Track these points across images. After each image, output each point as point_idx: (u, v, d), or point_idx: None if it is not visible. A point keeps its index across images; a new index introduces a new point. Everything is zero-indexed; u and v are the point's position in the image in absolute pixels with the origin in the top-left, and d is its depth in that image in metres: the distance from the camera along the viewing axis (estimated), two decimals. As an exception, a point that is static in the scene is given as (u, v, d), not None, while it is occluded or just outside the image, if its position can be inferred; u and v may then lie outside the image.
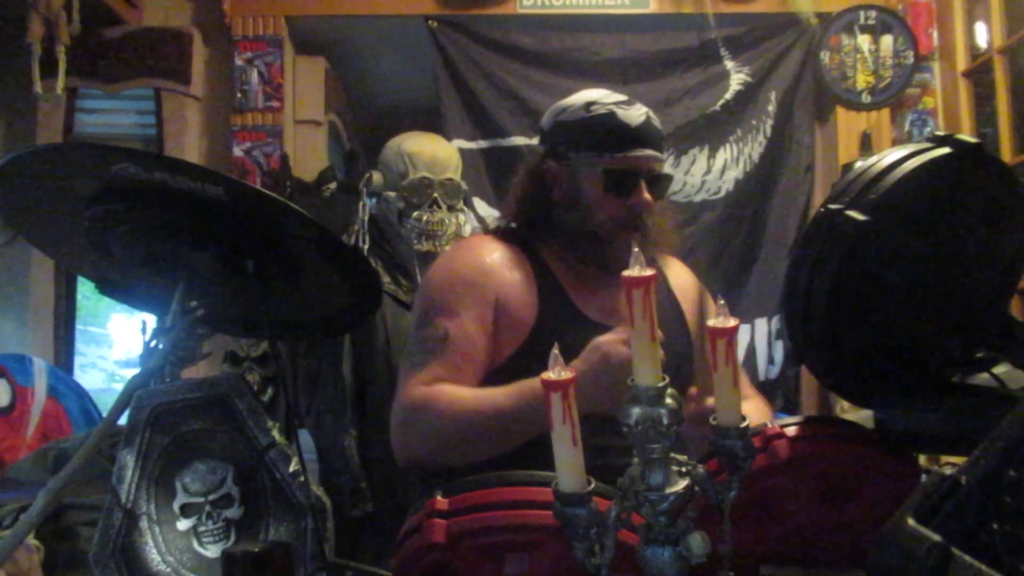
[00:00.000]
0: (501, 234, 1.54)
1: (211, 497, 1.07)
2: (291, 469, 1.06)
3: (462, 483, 0.98)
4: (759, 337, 3.45)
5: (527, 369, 1.37)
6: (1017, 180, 1.04)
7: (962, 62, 3.52)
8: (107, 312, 5.11)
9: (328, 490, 1.90)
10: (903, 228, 0.98)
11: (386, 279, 2.20)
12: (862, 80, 3.59)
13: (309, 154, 3.59)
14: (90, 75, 3.45)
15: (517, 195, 1.56)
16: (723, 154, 3.55)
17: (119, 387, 1.07)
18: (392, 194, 2.22)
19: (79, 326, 3.86)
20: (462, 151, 2.78)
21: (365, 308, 1.32)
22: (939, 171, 0.98)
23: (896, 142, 3.57)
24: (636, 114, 1.46)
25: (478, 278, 1.43)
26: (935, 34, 3.62)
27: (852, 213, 0.94)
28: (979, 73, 3.46)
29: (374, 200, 2.27)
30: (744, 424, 0.82)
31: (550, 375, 0.75)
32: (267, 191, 1.11)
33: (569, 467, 0.77)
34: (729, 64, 3.57)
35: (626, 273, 0.75)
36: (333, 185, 3.13)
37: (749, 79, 3.56)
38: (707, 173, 3.53)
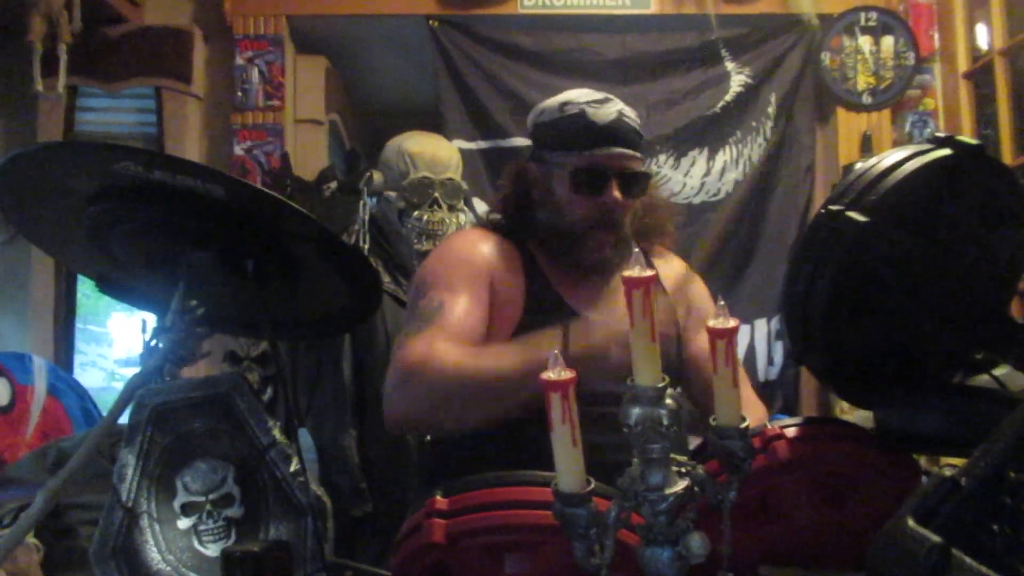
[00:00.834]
0: (492, 227, 1.55)
1: (212, 496, 1.07)
2: (291, 468, 1.06)
3: (462, 483, 0.98)
4: (759, 338, 3.45)
5: None
6: (1017, 181, 1.04)
7: (963, 63, 3.52)
8: (107, 311, 5.11)
9: (328, 490, 1.91)
10: (903, 229, 0.98)
11: (386, 279, 2.20)
12: (863, 81, 3.59)
13: (309, 153, 3.59)
14: (91, 74, 3.45)
15: (502, 196, 1.58)
16: (723, 156, 3.55)
17: (119, 386, 1.07)
18: (392, 194, 2.22)
19: (79, 325, 3.85)
20: (462, 151, 2.78)
21: (365, 308, 1.32)
22: (940, 172, 0.98)
23: (897, 143, 3.57)
24: (606, 112, 1.44)
25: (473, 258, 1.44)
26: (936, 35, 3.62)
27: (852, 214, 0.94)
28: (980, 75, 3.46)
29: (374, 200, 2.27)
30: (744, 424, 0.82)
31: (549, 375, 0.75)
32: (267, 190, 1.11)
33: (569, 467, 0.77)
34: (730, 65, 3.57)
35: (626, 273, 0.75)
36: (333, 185, 3.13)
37: (749, 80, 3.56)
38: (706, 175, 3.54)
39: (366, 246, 2.25)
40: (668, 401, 0.77)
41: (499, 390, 1.24)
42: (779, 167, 3.57)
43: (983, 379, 1.09)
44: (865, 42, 3.59)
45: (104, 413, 1.09)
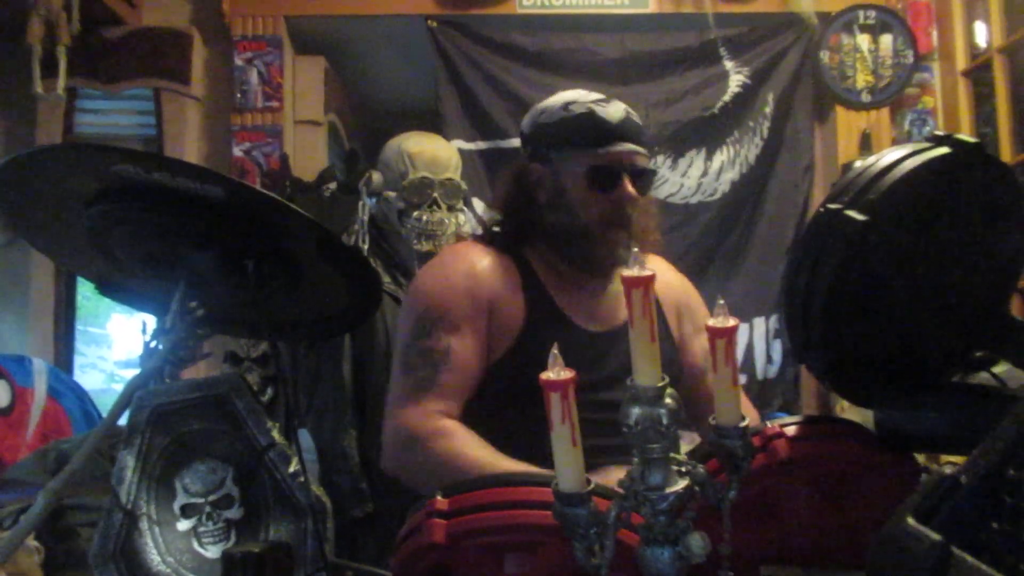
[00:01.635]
0: (488, 240, 1.55)
1: (211, 497, 1.07)
2: (291, 469, 1.06)
3: (462, 483, 0.98)
4: (757, 336, 3.46)
5: (514, 374, 1.38)
6: (1016, 180, 1.04)
7: (962, 61, 3.52)
8: (107, 312, 5.11)
9: (328, 490, 1.91)
10: (903, 228, 0.98)
11: (386, 279, 2.20)
12: (862, 79, 3.59)
13: (309, 154, 3.59)
14: (90, 75, 3.45)
15: (502, 200, 1.57)
16: (720, 156, 3.55)
17: (119, 387, 1.07)
18: (392, 194, 2.22)
19: (79, 326, 3.86)
20: (461, 151, 2.78)
21: (365, 308, 1.32)
22: (938, 171, 0.98)
23: (896, 142, 3.57)
24: (615, 110, 1.46)
25: (471, 286, 1.44)
26: (935, 33, 3.62)
27: (851, 213, 0.94)
28: (979, 72, 3.46)
29: (374, 200, 2.27)
30: (743, 424, 0.82)
31: (550, 375, 0.75)
32: (267, 191, 1.11)
33: (569, 467, 0.77)
34: (728, 64, 3.57)
35: (626, 273, 0.75)
36: (333, 185, 3.13)
37: (748, 81, 3.56)
38: (704, 175, 3.54)
39: (366, 246, 2.25)
40: (668, 401, 0.77)
41: None
42: (776, 167, 3.57)
43: (983, 378, 1.09)
44: (864, 40, 3.59)
45: (104, 415, 1.09)
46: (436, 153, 2.26)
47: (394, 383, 1.44)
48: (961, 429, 0.99)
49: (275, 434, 1.08)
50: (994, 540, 0.65)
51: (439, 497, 0.95)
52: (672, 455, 0.79)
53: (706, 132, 3.55)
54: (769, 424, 1.03)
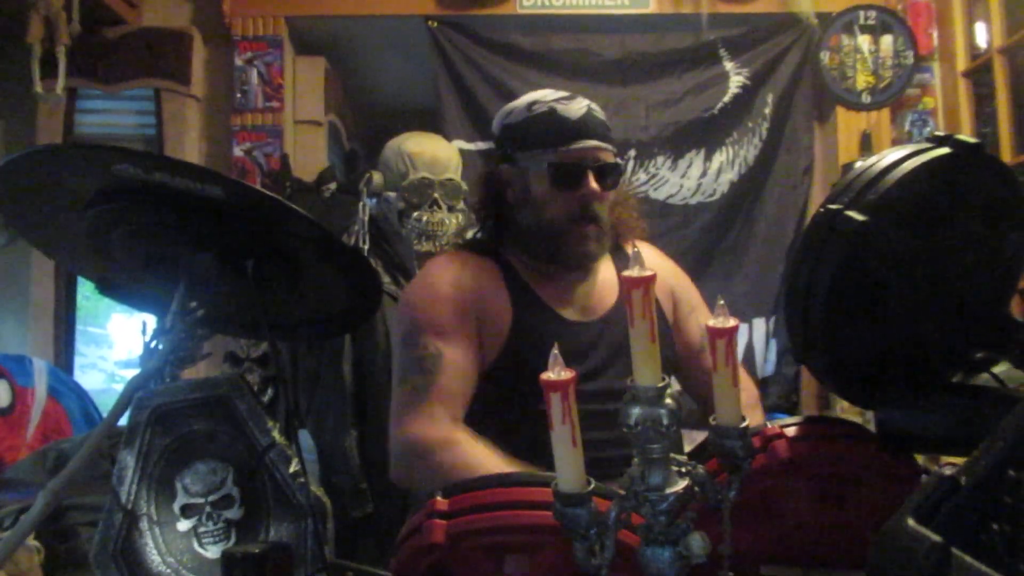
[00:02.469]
0: (467, 247, 1.57)
1: (211, 498, 1.07)
2: (291, 470, 1.06)
3: (462, 483, 0.98)
4: (757, 337, 3.48)
5: (509, 372, 1.40)
6: (1017, 180, 1.04)
7: (962, 62, 3.52)
8: (107, 313, 5.11)
9: (328, 490, 1.91)
10: (903, 228, 0.98)
11: (386, 279, 2.20)
12: (862, 80, 3.59)
13: (309, 154, 3.59)
14: (90, 75, 3.45)
15: (475, 202, 1.59)
16: (719, 157, 3.56)
17: (119, 388, 1.07)
18: (392, 194, 2.22)
19: (79, 326, 3.85)
20: (462, 152, 2.78)
21: (365, 308, 1.32)
22: (939, 171, 0.98)
23: (896, 142, 3.58)
24: (576, 107, 1.47)
25: (455, 294, 1.45)
26: (935, 34, 3.62)
27: (852, 213, 0.94)
28: (979, 73, 3.46)
29: (374, 200, 2.27)
30: (744, 424, 0.82)
31: (550, 375, 0.75)
32: (267, 191, 1.11)
33: (569, 467, 0.77)
34: (728, 65, 3.57)
35: (625, 273, 0.75)
36: (333, 185, 3.13)
37: (747, 82, 3.56)
38: (703, 176, 3.55)
39: (366, 247, 2.25)
40: (668, 401, 0.77)
41: None
42: (775, 168, 3.57)
43: (983, 378, 1.09)
44: (864, 41, 3.59)
45: (104, 415, 1.09)
46: (436, 153, 2.26)
47: (393, 396, 1.45)
48: (961, 430, 0.99)
49: (275, 434, 1.08)
50: (994, 540, 0.65)
51: (439, 497, 0.95)
52: (672, 455, 0.79)
53: (706, 133, 3.55)
54: (769, 424, 1.03)
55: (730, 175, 3.55)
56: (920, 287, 1.00)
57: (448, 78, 3.51)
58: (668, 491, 0.77)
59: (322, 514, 1.18)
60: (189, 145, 3.54)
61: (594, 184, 1.44)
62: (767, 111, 3.57)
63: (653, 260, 1.62)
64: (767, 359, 3.49)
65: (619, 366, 1.41)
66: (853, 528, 1.01)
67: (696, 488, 0.79)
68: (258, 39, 3.56)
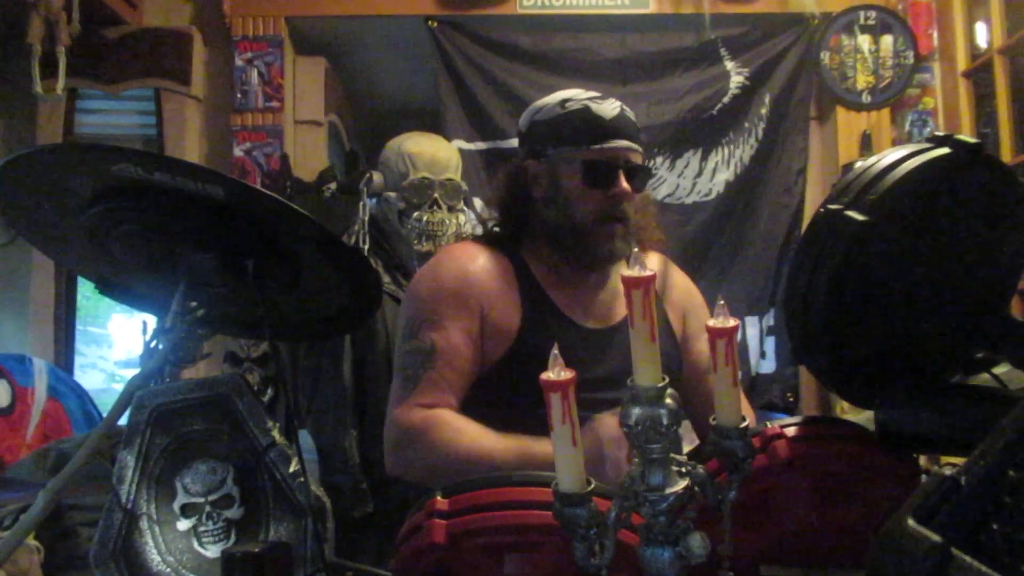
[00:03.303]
0: (484, 240, 1.56)
1: (211, 497, 1.07)
2: (291, 469, 1.06)
3: (462, 483, 0.98)
4: (751, 335, 3.50)
5: (514, 373, 1.39)
6: (1017, 180, 1.04)
7: (962, 62, 3.52)
8: (107, 312, 5.11)
9: (328, 490, 1.90)
10: (903, 228, 0.98)
11: (386, 279, 2.20)
12: (862, 80, 3.59)
13: (309, 154, 3.59)
14: (90, 75, 3.45)
15: (499, 198, 1.58)
16: (715, 156, 3.57)
17: (119, 387, 1.07)
18: (392, 194, 2.22)
19: (79, 326, 3.86)
20: (462, 152, 2.78)
21: (365, 308, 1.32)
22: (939, 171, 0.98)
23: (896, 142, 3.58)
24: (610, 107, 1.47)
25: (462, 288, 1.45)
26: (935, 34, 3.62)
27: (852, 213, 0.94)
28: (979, 73, 3.46)
29: (374, 200, 2.27)
30: (744, 424, 0.82)
31: (550, 375, 0.75)
32: (267, 191, 1.11)
33: (569, 467, 0.77)
34: (729, 65, 3.57)
35: (625, 273, 0.75)
36: (333, 185, 3.14)
37: (747, 82, 3.57)
38: (699, 175, 3.56)
39: (366, 247, 2.25)
40: (668, 401, 0.77)
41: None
42: (769, 169, 3.58)
43: (983, 378, 1.09)
44: (864, 41, 3.59)
45: (104, 414, 1.09)
46: (436, 154, 2.26)
47: (391, 387, 1.46)
48: (961, 430, 0.99)
49: (275, 434, 1.08)
50: (994, 540, 0.65)
51: (439, 497, 0.95)
52: (672, 455, 0.79)
53: (704, 132, 3.56)
54: (769, 425, 1.03)
55: (726, 175, 3.56)
56: (920, 287, 1.00)
57: (448, 78, 3.51)
58: (668, 491, 0.77)
59: (322, 514, 1.18)
60: (189, 145, 3.54)
61: (625, 184, 1.44)
62: (763, 111, 3.58)
63: (671, 274, 1.63)
64: (763, 355, 3.50)
65: (628, 376, 1.40)
66: (853, 528, 1.01)
67: (696, 488, 0.79)
68: (258, 39, 3.57)
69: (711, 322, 0.81)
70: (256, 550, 0.96)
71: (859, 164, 1.01)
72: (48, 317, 3.50)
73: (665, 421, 0.76)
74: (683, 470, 0.79)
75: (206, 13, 3.61)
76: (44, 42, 2.95)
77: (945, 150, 0.98)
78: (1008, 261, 1.08)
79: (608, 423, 1.20)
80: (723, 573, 0.84)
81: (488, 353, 1.43)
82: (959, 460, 0.74)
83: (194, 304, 1.08)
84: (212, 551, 1.05)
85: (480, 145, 3.48)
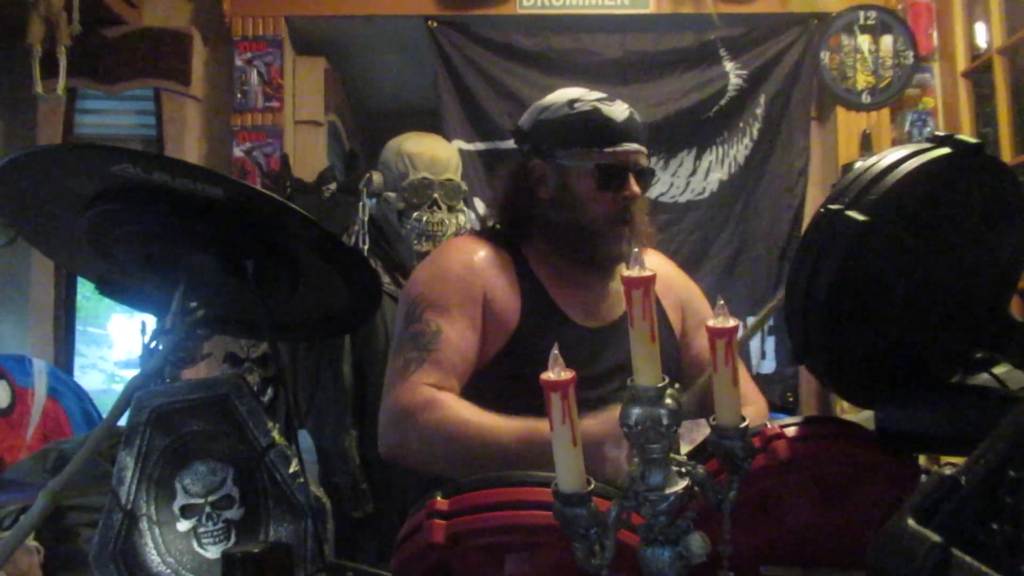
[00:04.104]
0: (486, 235, 1.55)
1: (211, 498, 1.07)
2: (291, 470, 1.06)
3: (462, 483, 0.98)
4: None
5: (511, 370, 1.38)
6: (1017, 180, 1.04)
7: (962, 62, 3.52)
8: (107, 313, 5.11)
9: (328, 490, 1.91)
10: (903, 228, 0.98)
11: (386, 279, 2.20)
12: (862, 80, 3.59)
13: (309, 154, 3.59)
14: (90, 75, 3.45)
15: (501, 197, 1.57)
16: (708, 156, 3.58)
17: (119, 388, 1.07)
18: (392, 195, 2.22)
19: (79, 327, 3.86)
20: (461, 152, 2.78)
21: (365, 308, 1.32)
22: (939, 171, 0.98)
23: (896, 142, 3.58)
24: (620, 109, 1.47)
25: (466, 275, 1.44)
26: (935, 34, 3.62)
27: (852, 213, 0.94)
28: (979, 73, 3.46)
29: (374, 200, 2.27)
30: (744, 424, 0.82)
31: (550, 375, 0.75)
32: (267, 192, 1.11)
33: (569, 467, 0.77)
34: (728, 65, 3.57)
35: (625, 273, 0.75)
36: (333, 185, 3.13)
37: (744, 84, 3.57)
38: (692, 174, 3.57)
39: (366, 247, 2.25)
40: (668, 401, 0.77)
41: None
42: (768, 168, 3.58)
43: (983, 378, 1.09)
44: (864, 41, 3.59)
45: (104, 415, 1.09)
46: (436, 154, 2.26)
47: (387, 370, 1.43)
48: (961, 430, 0.99)
49: (275, 435, 1.08)
50: (994, 540, 0.65)
51: (439, 497, 0.95)
52: (672, 455, 0.79)
53: (698, 132, 3.57)
54: (769, 425, 1.03)
55: (719, 174, 3.57)
56: (920, 287, 1.00)
57: (448, 78, 3.51)
58: (668, 491, 0.77)
59: (322, 514, 1.18)
60: (189, 145, 3.54)
61: (635, 187, 1.45)
62: (759, 111, 3.58)
63: (667, 271, 1.62)
64: (764, 357, 3.50)
65: (627, 374, 1.40)
66: (853, 528, 1.01)
67: (696, 488, 0.79)
68: (258, 39, 3.56)
69: (711, 322, 0.81)
70: (256, 551, 0.96)
71: (859, 164, 1.01)
72: (48, 317, 3.50)
73: (665, 421, 0.76)
74: (683, 470, 0.79)
75: (206, 13, 3.61)
76: (44, 42, 2.95)
77: (945, 150, 0.98)
78: (1008, 261, 1.08)
79: (606, 424, 1.19)
80: (723, 573, 0.84)
81: (487, 346, 1.42)
82: (959, 460, 0.74)
83: (194, 304, 1.08)
84: (212, 552, 1.05)
85: (480, 145, 3.48)
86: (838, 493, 1.04)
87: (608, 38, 3.57)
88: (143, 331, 1.11)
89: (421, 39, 3.54)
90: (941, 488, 0.67)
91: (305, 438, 2.20)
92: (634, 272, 0.75)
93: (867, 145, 3.53)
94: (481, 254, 1.48)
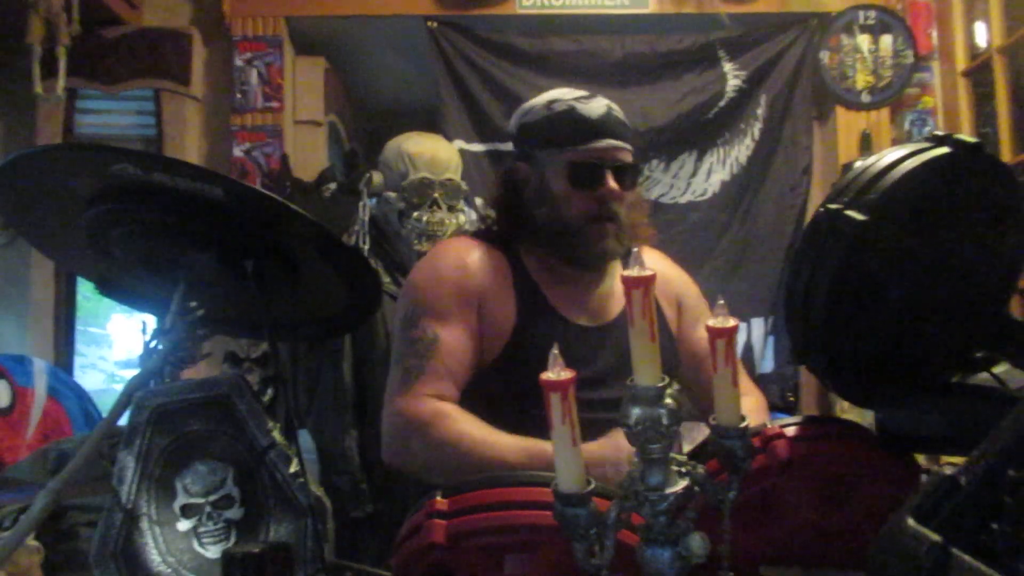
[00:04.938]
0: (481, 236, 1.56)
1: (211, 498, 1.07)
2: (291, 470, 1.06)
3: (462, 483, 0.98)
4: (756, 337, 3.49)
5: (509, 372, 1.39)
6: (1017, 180, 1.04)
7: (961, 62, 3.52)
8: (107, 313, 5.10)
9: (328, 490, 1.90)
10: (903, 228, 0.97)
11: (386, 279, 2.20)
12: (862, 80, 3.59)
13: (309, 154, 3.59)
14: (90, 75, 3.45)
15: (493, 199, 1.59)
16: (710, 157, 3.58)
17: (119, 388, 1.07)
18: (392, 194, 2.22)
19: (79, 326, 3.85)
20: (462, 152, 2.78)
21: (365, 308, 1.32)
22: (939, 171, 0.98)
23: (896, 142, 3.57)
24: (596, 106, 1.47)
25: (461, 279, 1.45)
26: (934, 34, 3.62)
27: (851, 213, 0.94)
28: (978, 72, 3.46)
29: (374, 200, 2.27)
30: (743, 424, 0.82)
31: (550, 375, 0.75)
32: (267, 191, 1.11)
33: (569, 467, 0.77)
34: (727, 67, 3.57)
35: (625, 273, 0.75)
36: (333, 185, 3.13)
37: (744, 85, 3.57)
38: (693, 176, 3.57)
39: (366, 247, 2.25)
40: (668, 401, 0.77)
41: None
42: (771, 168, 3.58)
43: (983, 378, 1.09)
44: (864, 41, 3.59)
45: (104, 415, 1.09)
46: (436, 153, 2.26)
47: (389, 376, 1.45)
48: (961, 429, 0.99)
49: (275, 434, 1.08)
50: (994, 540, 0.65)
51: (439, 497, 0.95)
52: (672, 455, 0.79)
53: (698, 134, 3.57)
54: (769, 424, 1.03)
55: (721, 175, 3.57)
56: (920, 287, 1.00)
57: (448, 78, 3.51)
58: (668, 491, 0.77)
59: (322, 514, 1.18)
60: (189, 145, 3.54)
61: (613, 183, 1.44)
62: (760, 112, 3.58)
63: (663, 268, 1.61)
64: (764, 356, 3.50)
65: (624, 374, 1.41)
66: (853, 528, 1.01)
67: (696, 488, 0.79)
68: (258, 39, 3.56)
69: (711, 322, 0.81)
70: (256, 550, 0.96)
71: (859, 164, 1.01)
72: (48, 317, 3.50)
73: (665, 421, 0.76)
74: (683, 470, 0.79)
75: (206, 13, 3.61)
76: (44, 42, 2.95)
77: (945, 149, 0.98)
78: (1008, 261, 1.08)
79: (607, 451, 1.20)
80: (723, 573, 0.84)
81: (484, 348, 1.43)
82: (959, 460, 0.74)
83: (194, 304, 1.08)
84: (212, 551, 1.05)
85: (480, 146, 3.48)
86: (838, 493, 1.04)
87: (608, 39, 3.57)
88: (143, 331, 1.11)
89: (421, 39, 3.54)
90: (941, 488, 0.67)
91: (305, 438, 2.20)
92: (634, 272, 0.75)
93: (867, 145, 3.53)
94: (475, 255, 1.48)
